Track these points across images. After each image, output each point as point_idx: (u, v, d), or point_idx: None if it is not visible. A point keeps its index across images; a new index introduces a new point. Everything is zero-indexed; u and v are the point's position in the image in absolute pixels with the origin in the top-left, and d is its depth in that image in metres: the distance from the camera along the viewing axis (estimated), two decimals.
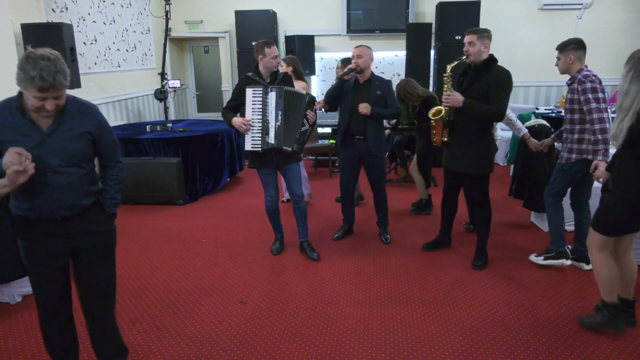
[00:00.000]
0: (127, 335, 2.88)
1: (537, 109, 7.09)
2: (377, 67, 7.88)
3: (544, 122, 4.36)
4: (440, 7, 7.08)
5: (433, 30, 7.26)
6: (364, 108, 3.84)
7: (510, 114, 3.96)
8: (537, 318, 3.00)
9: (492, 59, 3.40)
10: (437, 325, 2.95)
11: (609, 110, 3.22)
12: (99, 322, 2.35)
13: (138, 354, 2.71)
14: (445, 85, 3.52)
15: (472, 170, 3.53)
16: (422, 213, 4.99)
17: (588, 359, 2.60)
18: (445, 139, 3.57)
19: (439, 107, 3.54)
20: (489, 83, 3.34)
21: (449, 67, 3.55)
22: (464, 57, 3.48)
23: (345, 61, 4.62)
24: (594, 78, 3.24)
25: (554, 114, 6.58)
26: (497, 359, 2.62)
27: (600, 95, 3.18)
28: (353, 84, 3.98)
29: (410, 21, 7.48)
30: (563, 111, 3.61)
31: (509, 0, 7.58)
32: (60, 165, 2.00)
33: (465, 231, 4.44)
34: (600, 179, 2.84)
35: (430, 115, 3.58)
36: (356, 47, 3.93)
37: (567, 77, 3.46)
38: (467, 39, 3.40)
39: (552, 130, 4.22)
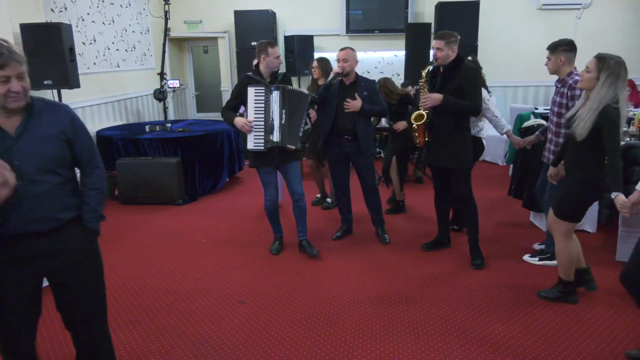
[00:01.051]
0: (125, 335, 2.88)
1: (537, 108, 7.09)
2: (376, 67, 7.87)
3: (543, 122, 4.36)
4: (439, 7, 7.09)
5: (432, 30, 7.26)
6: (354, 104, 3.84)
7: (496, 111, 4.01)
8: (537, 318, 3.01)
9: (459, 59, 3.51)
10: (437, 325, 2.94)
11: None
12: (82, 353, 2.18)
13: (137, 354, 2.71)
14: (422, 90, 3.61)
15: (453, 164, 3.62)
16: (399, 213, 5.03)
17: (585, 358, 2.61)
18: (427, 139, 3.65)
19: (420, 112, 3.58)
20: (460, 81, 3.45)
21: (423, 73, 3.65)
22: (433, 60, 3.59)
23: (322, 61, 4.79)
24: None
25: None
26: (496, 358, 2.62)
27: None
28: (338, 86, 3.99)
29: (409, 21, 7.48)
30: (549, 112, 3.60)
31: (508, 0, 7.59)
32: (34, 173, 1.81)
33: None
34: (552, 176, 3.29)
35: (412, 120, 3.63)
36: (341, 50, 3.94)
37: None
38: (435, 44, 3.50)
39: None
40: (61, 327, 2.23)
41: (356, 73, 4.02)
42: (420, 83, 3.65)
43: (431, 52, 7.17)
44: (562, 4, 7.45)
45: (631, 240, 3.59)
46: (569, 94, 3.29)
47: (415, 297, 3.29)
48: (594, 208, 4.24)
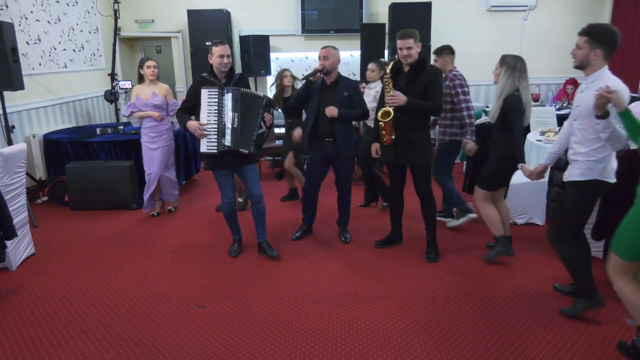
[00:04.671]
0: (78, 345, 2.77)
1: (488, 107, 7.33)
2: None
3: None
4: (393, 8, 7.21)
5: (387, 30, 7.38)
6: (330, 111, 3.82)
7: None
8: (492, 309, 3.10)
9: (423, 59, 3.59)
10: (396, 321, 2.99)
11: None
12: None
13: None
14: (387, 87, 3.63)
15: (420, 163, 3.67)
16: (293, 199, 5.47)
17: (548, 346, 2.71)
18: (394, 137, 3.65)
19: (386, 109, 3.58)
20: (425, 81, 3.52)
21: (387, 69, 3.66)
22: (396, 56, 3.61)
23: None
24: (461, 77, 4.15)
25: None
26: (454, 350, 2.69)
27: (466, 89, 4.12)
28: (320, 86, 3.94)
29: (364, 22, 7.57)
30: None
31: (459, 1, 7.81)
32: None
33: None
34: (471, 151, 4.05)
35: (379, 117, 3.62)
36: (323, 47, 3.88)
37: None
38: (404, 43, 3.48)
39: None
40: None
41: (339, 73, 3.96)
42: (385, 79, 3.65)
43: (386, 52, 7.34)
44: (509, 6, 7.73)
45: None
46: (450, 84, 4.12)
47: (374, 294, 3.33)
48: (542, 202, 4.42)
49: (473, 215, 4.38)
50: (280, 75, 5.10)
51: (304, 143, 4.17)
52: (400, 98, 3.47)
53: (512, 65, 3.41)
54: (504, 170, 3.59)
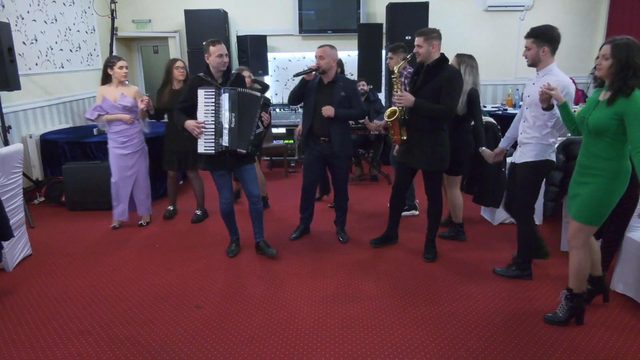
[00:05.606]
0: (76, 347, 2.77)
1: (485, 107, 7.34)
2: None
3: (491, 119, 4.51)
4: (390, 8, 7.21)
5: (384, 30, 7.38)
6: (326, 111, 3.80)
7: None
8: (489, 308, 3.11)
9: (443, 59, 3.50)
10: (393, 320, 2.99)
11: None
12: None
13: None
14: (395, 86, 3.62)
15: (428, 167, 3.63)
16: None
17: (547, 344, 2.72)
18: (405, 137, 3.64)
19: (393, 108, 3.58)
20: (440, 82, 3.43)
21: (396, 69, 3.68)
22: (409, 57, 3.63)
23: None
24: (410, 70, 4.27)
25: (500, 112, 6.83)
26: (452, 350, 2.69)
27: None
28: (317, 84, 3.92)
29: (361, 21, 7.57)
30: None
31: (456, 1, 7.81)
32: None
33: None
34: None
35: (385, 117, 3.63)
36: (319, 47, 3.84)
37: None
38: (415, 41, 3.50)
39: (499, 127, 4.39)
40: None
41: (337, 72, 3.94)
42: (393, 78, 3.65)
43: (383, 52, 7.34)
44: (506, 6, 7.74)
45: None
46: (406, 82, 4.26)
47: (371, 294, 3.33)
48: (540, 202, 4.42)
49: (416, 212, 4.83)
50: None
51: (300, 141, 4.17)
52: (407, 99, 3.44)
53: (471, 63, 3.83)
54: (460, 155, 3.90)
